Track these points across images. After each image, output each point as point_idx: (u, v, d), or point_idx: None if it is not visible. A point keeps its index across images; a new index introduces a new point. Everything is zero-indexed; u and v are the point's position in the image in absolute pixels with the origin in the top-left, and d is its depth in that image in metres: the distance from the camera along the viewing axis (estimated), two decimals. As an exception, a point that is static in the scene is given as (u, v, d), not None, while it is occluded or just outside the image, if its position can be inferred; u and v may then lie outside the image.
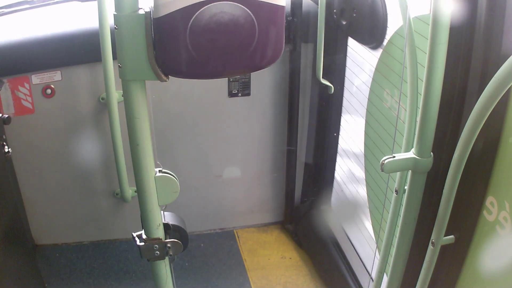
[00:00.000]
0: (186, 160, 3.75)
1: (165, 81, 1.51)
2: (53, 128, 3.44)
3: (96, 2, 2.94)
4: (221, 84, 3.55)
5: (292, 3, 3.34)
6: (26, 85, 3.22)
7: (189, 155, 3.76)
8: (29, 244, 3.70)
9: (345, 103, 3.37)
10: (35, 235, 3.77)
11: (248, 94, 3.62)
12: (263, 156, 3.92)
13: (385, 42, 2.70)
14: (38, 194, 3.63)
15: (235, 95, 3.60)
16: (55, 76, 3.25)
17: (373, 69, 2.86)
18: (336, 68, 3.32)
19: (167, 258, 1.89)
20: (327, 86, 3.30)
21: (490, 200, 1.77)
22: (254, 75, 3.56)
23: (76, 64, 3.28)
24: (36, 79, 3.23)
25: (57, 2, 3.69)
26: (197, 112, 3.64)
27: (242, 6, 1.37)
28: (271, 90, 3.67)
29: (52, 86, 3.27)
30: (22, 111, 3.29)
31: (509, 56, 1.31)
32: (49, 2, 3.68)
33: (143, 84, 1.56)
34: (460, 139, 1.59)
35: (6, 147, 2.85)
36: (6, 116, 2.86)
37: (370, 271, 3.16)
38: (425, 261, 1.92)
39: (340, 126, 3.47)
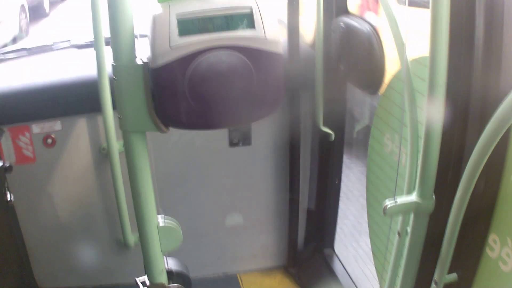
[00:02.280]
0: (188, 208, 3.73)
1: (165, 132, 1.51)
2: (54, 177, 3.43)
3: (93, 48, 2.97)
4: (221, 134, 3.56)
5: (290, 50, 3.35)
6: (27, 134, 3.23)
7: (191, 204, 3.74)
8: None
9: (346, 149, 3.37)
10: (38, 280, 3.74)
11: (249, 144, 3.62)
12: (265, 204, 3.90)
13: (384, 87, 2.71)
14: (41, 240, 3.60)
15: (236, 144, 3.60)
16: (55, 125, 3.26)
17: (373, 115, 2.86)
18: (336, 114, 3.32)
19: (170, 304, 1.87)
20: (327, 133, 3.29)
21: (492, 237, 1.76)
22: (254, 124, 3.55)
23: (76, 114, 3.29)
24: (37, 128, 3.24)
25: (55, 49, 3.75)
26: (198, 162, 3.64)
27: (240, 55, 1.37)
28: (272, 139, 3.67)
29: (53, 135, 3.28)
30: (23, 160, 3.29)
31: (507, 95, 1.32)
32: (46, 49, 3.74)
33: (143, 135, 1.55)
34: (462, 179, 1.59)
35: (8, 195, 2.85)
36: (8, 164, 2.87)
37: (374, 315, 3.14)
38: (428, 301, 1.90)
39: (342, 173, 3.46)
